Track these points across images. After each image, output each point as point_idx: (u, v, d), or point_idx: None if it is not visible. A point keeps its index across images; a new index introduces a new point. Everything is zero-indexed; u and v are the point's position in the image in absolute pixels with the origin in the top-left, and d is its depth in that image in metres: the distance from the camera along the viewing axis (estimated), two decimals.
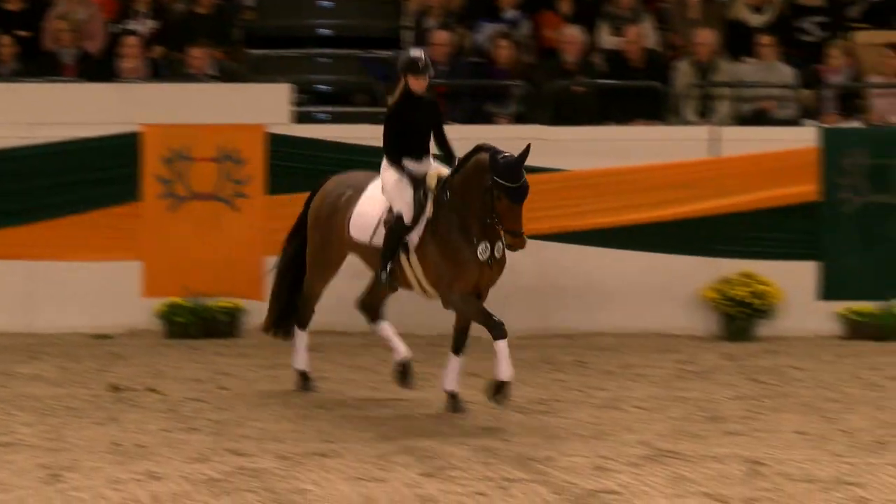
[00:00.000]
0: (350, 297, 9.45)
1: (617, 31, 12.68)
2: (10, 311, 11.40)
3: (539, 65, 12.56)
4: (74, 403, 9.45)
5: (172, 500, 7.21)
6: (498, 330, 8.25)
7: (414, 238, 8.41)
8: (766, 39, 12.52)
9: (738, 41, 12.89)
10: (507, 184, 7.92)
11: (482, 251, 8.19)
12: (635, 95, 12.31)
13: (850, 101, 12.71)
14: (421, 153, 8.54)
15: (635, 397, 10.33)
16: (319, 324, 9.84)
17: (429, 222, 8.34)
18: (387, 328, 9.20)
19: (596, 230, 11.87)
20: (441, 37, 12.18)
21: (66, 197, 11.56)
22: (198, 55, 11.87)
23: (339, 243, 8.93)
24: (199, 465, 7.85)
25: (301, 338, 9.20)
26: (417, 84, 8.39)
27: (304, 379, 9.21)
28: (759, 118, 12.44)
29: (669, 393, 10.54)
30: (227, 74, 12.17)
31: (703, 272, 11.92)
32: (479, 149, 8.19)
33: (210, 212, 11.51)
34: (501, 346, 8.26)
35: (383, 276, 8.51)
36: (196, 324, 11.33)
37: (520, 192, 7.98)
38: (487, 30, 12.67)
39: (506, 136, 10.52)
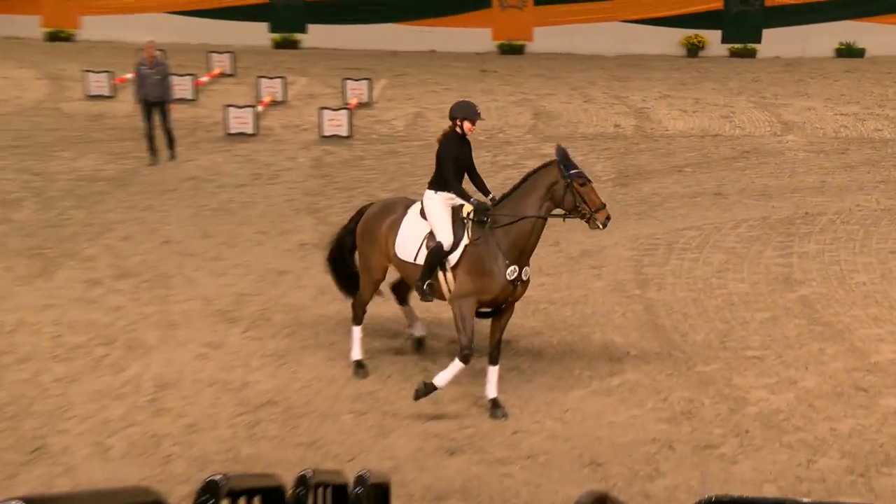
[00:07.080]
0: None
1: None
2: None
3: None
4: None
5: None
6: (463, 356, 8.53)
7: (452, 259, 8.67)
8: None
9: None
10: (579, 171, 8.45)
11: (510, 273, 8.50)
12: None
13: None
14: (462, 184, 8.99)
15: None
16: None
17: (466, 246, 8.61)
18: (412, 309, 9.83)
19: None
20: None
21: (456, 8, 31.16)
22: None
23: (384, 259, 9.24)
24: None
25: (356, 332, 9.44)
26: (470, 128, 8.79)
27: (360, 366, 9.44)
28: None
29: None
30: None
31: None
32: (530, 174, 8.66)
33: (515, 11, 31.32)
34: (457, 364, 8.57)
35: (423, 288, 8.76)
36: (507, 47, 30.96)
37: (585, 175, 8.56)
38: None
39: None
